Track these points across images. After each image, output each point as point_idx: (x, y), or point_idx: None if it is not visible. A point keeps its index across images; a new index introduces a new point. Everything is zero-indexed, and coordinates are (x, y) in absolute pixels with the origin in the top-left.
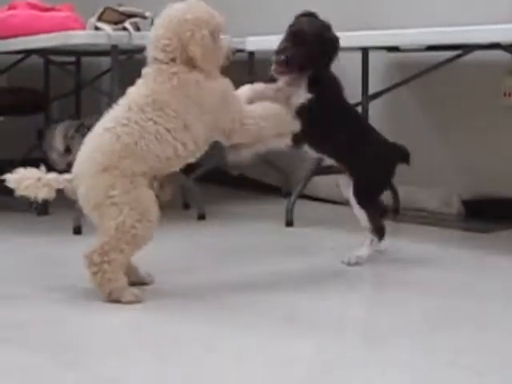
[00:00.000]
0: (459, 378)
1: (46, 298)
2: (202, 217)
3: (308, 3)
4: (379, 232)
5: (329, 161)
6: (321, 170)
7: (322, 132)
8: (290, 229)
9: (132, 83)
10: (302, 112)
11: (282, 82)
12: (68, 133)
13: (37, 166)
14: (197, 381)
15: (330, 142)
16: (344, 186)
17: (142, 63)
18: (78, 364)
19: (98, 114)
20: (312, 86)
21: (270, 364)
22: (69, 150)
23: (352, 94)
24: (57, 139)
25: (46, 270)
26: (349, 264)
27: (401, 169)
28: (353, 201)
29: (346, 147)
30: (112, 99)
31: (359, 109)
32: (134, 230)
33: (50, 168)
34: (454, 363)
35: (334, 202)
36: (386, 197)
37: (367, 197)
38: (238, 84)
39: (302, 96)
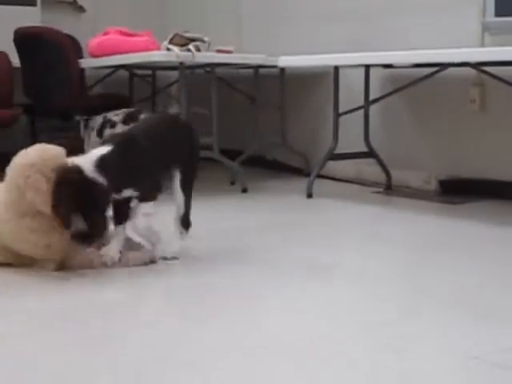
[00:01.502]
0: (442, 310)
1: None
2: (244, 190)
3: (323, 31)
4: (186, 223)
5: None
6: (333, 156)
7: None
8: (309, 199)
9: (193, 91)
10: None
11: None
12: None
13: None
14: (242, 323)
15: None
16: None
17: (202, 76)
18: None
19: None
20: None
21: (293, 297)
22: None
23: (356, 100)
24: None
25: None
26: (166, 259)
27: (394, 156)
28: (178, 190)
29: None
30: (179, 102)
31: (362, 112)
32: None
33: None
34: (437, 300)
35: (343, 181)
36: (381, 177)
37: (190, 187)
38: (270, 92)
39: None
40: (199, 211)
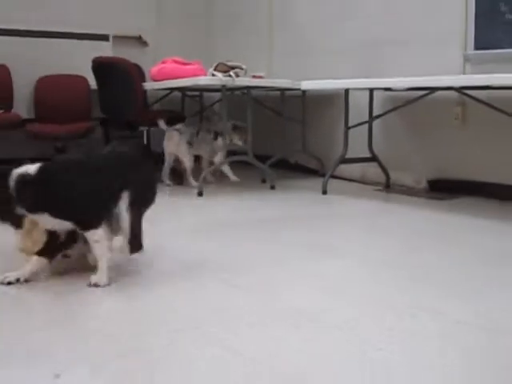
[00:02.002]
0: (431, 286)
1: None
2: (272, 187)
3: (336, 61)
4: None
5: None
6: (344, 160)
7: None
8: (324, 195)
9: (233, 108)
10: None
11: None
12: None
13: None
14: (269, 283)
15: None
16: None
17: (240, 96)
18: None
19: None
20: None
21: (309, 274)
22: (191, 144)
23: (362, 116)
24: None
25: None
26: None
27: (392, 160)
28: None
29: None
30: (221, 117)
31: (366, 125)
32: None
33: None
34: (427, 278)
35: (351, 180)
36: (381, 177)
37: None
38: (294, 109)
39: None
40: (236, 203)
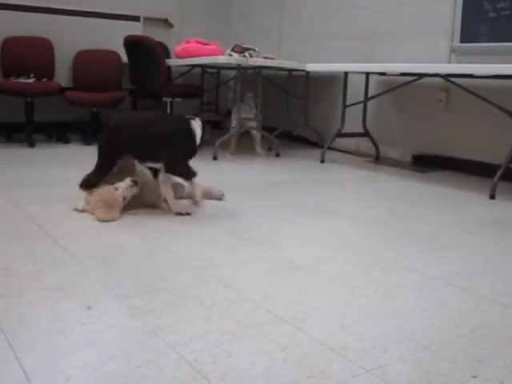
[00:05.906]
0: (411, 244)
1: None
2: (277, 155)
3: (337, 47)
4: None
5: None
6: (340, 135)
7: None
8: (322, 164)
9: (245, 85)
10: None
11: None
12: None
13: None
14: (271, 238)
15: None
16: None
17: (252, 74)
18: None
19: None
20: None
21: (307, 230)
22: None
23: (358, 96)
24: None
25: None
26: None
27: (382, 136)
28: None
29: None
30: (236, 93)
31: (361, 105)
32: None
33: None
34: (408, 236)
35: (345, 152)
36: (372, 150)
37: None
38: (298, 88)
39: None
40: (247, 168)
